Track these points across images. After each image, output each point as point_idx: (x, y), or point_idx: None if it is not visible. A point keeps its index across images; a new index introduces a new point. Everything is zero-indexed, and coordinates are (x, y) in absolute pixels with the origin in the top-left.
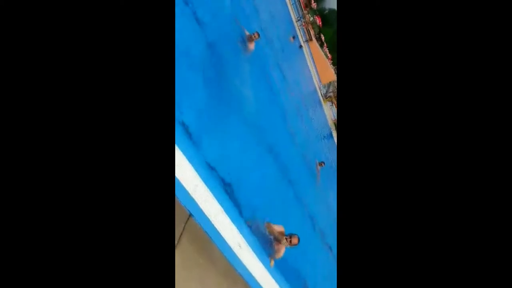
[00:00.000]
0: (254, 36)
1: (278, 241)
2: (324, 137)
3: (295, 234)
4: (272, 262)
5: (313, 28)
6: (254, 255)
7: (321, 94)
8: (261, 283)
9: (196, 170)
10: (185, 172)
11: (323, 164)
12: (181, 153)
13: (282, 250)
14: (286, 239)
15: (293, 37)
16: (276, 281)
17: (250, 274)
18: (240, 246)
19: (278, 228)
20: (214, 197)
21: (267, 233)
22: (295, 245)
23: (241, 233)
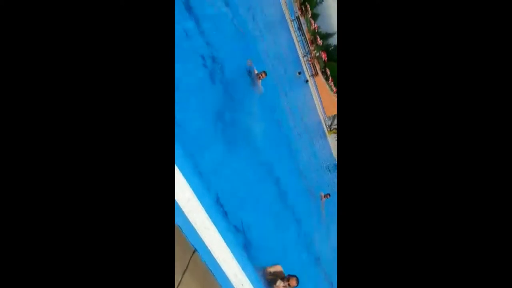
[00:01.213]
0: (261, 75)
1: (275, 283)
2: (329, 169)
3: (294, 275)
4: None
5: (319, 63)
6: None
7: (326, 126)
8: None
9: (203, 204)
10: (193, 206)
11: (328, 196)
12: (191, 189)
13: None
14: (284, 280)
15: (299, 72)
16: None
17: None
18: (242, 285)
19: (274, 268)
20: (219, 234)
21: (264, 276)
22: (294, 287)
23: (244, 271)
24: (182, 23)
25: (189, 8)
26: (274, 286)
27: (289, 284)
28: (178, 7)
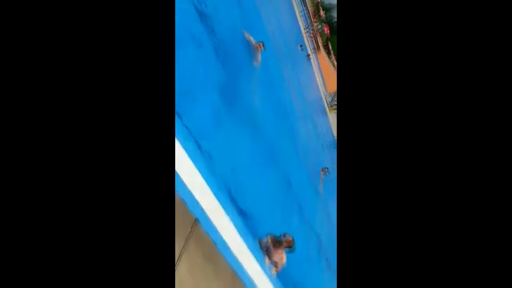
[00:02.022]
0: (260, 46)
1: (276, 247)
2: (328, 146)
3: (287, 234)
4: (275, 270)
5: (321, 37)
6: (256, 263)
7: (327, 103)
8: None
9: (204, 178)
10: (194, 179)
11: (326, 171)
12: (191, 161)
13: (282, 255)
14: (282, 238)
15: (301, 46)
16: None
17: (251, 281)
18: (242, 252)
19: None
20: (219, 204)
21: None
22: (291, 244)
23: (244, 241)
24: None
25: None
26: (277, 249)
27: (285, 237)
28: None
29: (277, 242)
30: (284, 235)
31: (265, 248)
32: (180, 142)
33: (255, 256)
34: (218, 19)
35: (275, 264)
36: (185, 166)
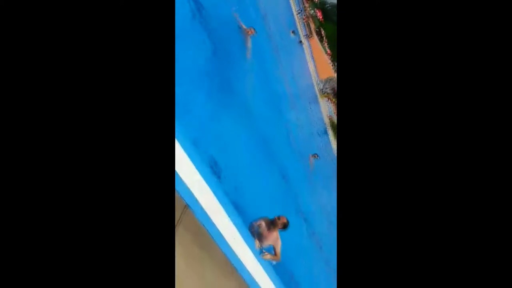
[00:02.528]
0: (250, 31)
1: (271, 229)
2: (319, 133)
3: (283, 216)
4: (276, 256)
5: (313, 22)
6: (248, 248)
7: (318, 90)
8: (252, 273)
9: (193, 162)
10: (184, 165)
11: (316, 156)
12: (181, 147)
13: (277, 237)
14: (276, 220)
15: (293, 32)
16: (266, 273)
17: (244, 267)
18: (234, 239)
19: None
20: (210, 190)
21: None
22: (286, 224)
23: (235, 226)
24: None
25: None
26: (271, 230)
27: (279, 219)
28: None
29: (272, 224)
30: (279, 217)
31: (257, 232)
32: (177, 138)
33: (249, 244)
34: (209, 2)
35: (273, 248)
36: (181, 160)
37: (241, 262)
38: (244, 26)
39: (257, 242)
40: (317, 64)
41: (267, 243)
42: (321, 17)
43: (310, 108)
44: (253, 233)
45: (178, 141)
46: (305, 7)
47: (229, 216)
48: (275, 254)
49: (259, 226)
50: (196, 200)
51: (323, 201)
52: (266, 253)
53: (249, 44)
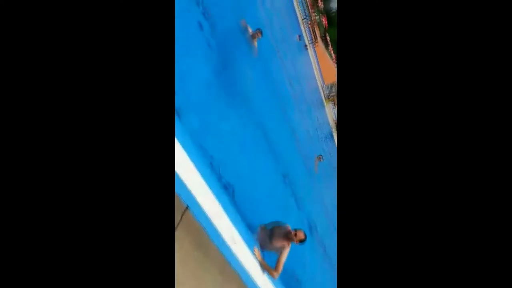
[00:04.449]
0: (257, 35)
1: (284, 240)
2: (325, 137)
3: (301, 229)
4: (270, 270)
5: (319, 28)
6: (249, 251)
7: (324, 94)
8: (255, 279)
9: (196, 165)
10: (185, 167)
11: (321, 158)
12: (182, 149)
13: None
14: (292, 233)
15: (299, 36)
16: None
17: (244, 270)
18: (234, 241)
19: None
20: (212, 192)
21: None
22: (302, 240)
23: (236, 228)
24: None
25: None
26: (283, 241)
27: (296, 234)
28: None
29: (286, 235)
30: (296, 231)
31: (264, 238)
32: (178, 139)
33: (250, 247)
34: (215, 8)
35: (277, 259)
36: (182, 162)
37: (242, 265)
38: (251, 30)
39: (257, 251)
40: (322, 69)
41: (272, 247)
42: (326, 23)
43: (316, 112)
44: (259, 235)
45: (179, 141)
46: (310, 13)
47: (230, 219)
48: (276, 266)
49: (262, 230)
50: (197, 202)
51: (326, 203)
52: (256, 249)
53: (256, 48)
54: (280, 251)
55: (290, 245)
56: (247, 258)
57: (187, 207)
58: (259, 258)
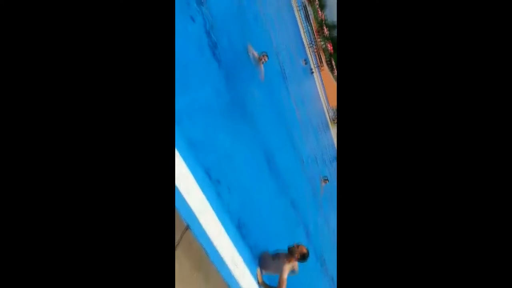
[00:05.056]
0: (263, 58)
1: (287, 256)
2: (331, 159)
3: (300, 243)
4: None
5: (324, 54)
6: (251, 276)
7: (329, 117)
8: None
9: (200, 185)
10: (188, 185)
11: (327, 181)
12: (186, 166)
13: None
14: (295, 249)
15: (305, 61)
16: None
17: None
18: (236, 266)
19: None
20: (214, 213)
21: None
22: (305, 255)
23: (239, 252)
24: (185, 7)
25: None
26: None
27: (298, 247)
28: None
29: (288, 251)
30: (298, 245)
31: (267, 259)
32: (180, 154)
33: (251, 270)
34: (222, 34)
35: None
36: (184, 180)
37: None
38: (256, 55)
39: (259, 271)
40: (327, 92)
41: (274, 268)
42: (331, 49)
43: (321, 135)
44: (262, 258)
45: (189, 169)
46: (316, 40)
47: (231, 239)
48: (278, 284)
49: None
50: (197, 221)
51: (331, 225)
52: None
53: (263, 71)
54: (281, 269)
55: (292, 262)
56: (247, 280)
57: (187, 227)
58: (260, 279)
